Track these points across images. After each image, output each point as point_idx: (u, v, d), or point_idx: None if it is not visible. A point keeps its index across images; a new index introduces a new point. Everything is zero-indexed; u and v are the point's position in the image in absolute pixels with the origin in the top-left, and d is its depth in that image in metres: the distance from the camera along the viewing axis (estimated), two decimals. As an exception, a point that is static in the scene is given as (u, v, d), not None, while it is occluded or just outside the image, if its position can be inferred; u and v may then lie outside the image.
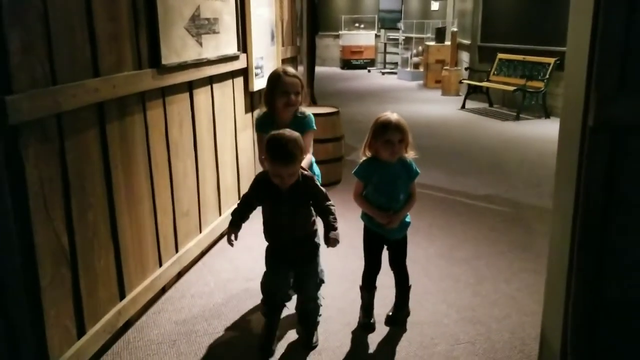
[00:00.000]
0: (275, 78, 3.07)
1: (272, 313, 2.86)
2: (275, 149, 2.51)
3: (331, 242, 2.56)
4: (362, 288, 3.04)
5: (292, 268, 2.81)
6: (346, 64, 17.83)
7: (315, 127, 3.17)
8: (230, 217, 2.77)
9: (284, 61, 5.59)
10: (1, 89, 2.10)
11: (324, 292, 3.33)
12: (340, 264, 3.76)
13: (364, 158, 2.86)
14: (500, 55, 10.33)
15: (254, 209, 2.77)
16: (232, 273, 3.65)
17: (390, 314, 3.06)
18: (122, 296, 2.95)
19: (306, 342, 2.85)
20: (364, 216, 2.94)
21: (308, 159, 3.10)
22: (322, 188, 2.71)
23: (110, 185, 2.80)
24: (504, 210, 4.89)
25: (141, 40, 3.06)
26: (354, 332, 2.97)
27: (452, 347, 2.83)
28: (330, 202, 2.69)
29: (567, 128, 2.34)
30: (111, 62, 2.77)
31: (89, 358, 2.64)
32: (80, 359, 2.56)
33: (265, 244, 2.83)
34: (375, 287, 3.03)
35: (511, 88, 9.48)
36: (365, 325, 3.00)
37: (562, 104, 2.43)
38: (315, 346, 2.83)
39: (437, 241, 4.12)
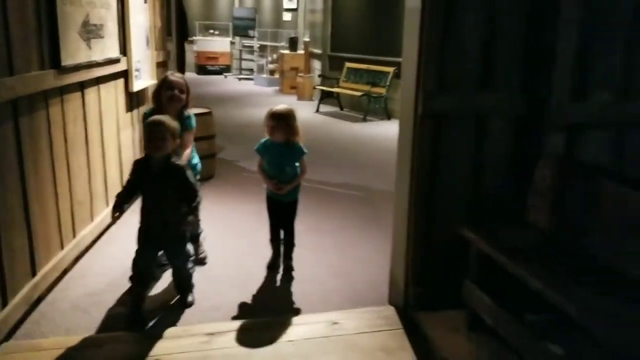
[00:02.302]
0: (163, 78, 3.70)
1: (140, 286, 3.19)
2: (150, 122, 3.06)
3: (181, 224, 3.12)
4: (271, 240, 3.89)
5: (160, 248, 3.21)
6: (202, 70, 18.13)
7: (194, 126, 3.69)
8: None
9: (157, 65, 5.99)
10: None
11: (217, 264, 3.90)
12: (221, 241, 4.38)
13: (264, 138, 3.67)
14: (348, 64, 11.47)
15: (135, 193, 3.18)
16: (125, 256, 4.00)
17: (283, 269, 3.88)
18: (34, 273, 3.26)
19: (183, 302, 3.35)
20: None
21: (187, 153, 3.62)
22: (192, 183, 3.10)
23: (23, 173, 3.12)
24: (356, 194, 5.78)
25: (44, 44, 3.39)
26: (245, 292, 3.56)
27: (326, 293, 3.57)
28: (195, 200, 3.11)
29: (404, 117, 3.17)
30: (22, 62, 3.10)
31: (13, 324, 2.95)
32: (6, 325, 2.88)
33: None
34: (280, 239, 3.88)
35: (358, 93, 10.61)
36: (273, 265, 3.90)
37: (400, 100, 3.25)
38: (191, 303, 3.34)
39: (307, 219, 4.83)
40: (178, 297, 3.41)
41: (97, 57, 4.23)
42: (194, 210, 3.19)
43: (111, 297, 3.44)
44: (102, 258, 4.03)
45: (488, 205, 3.18)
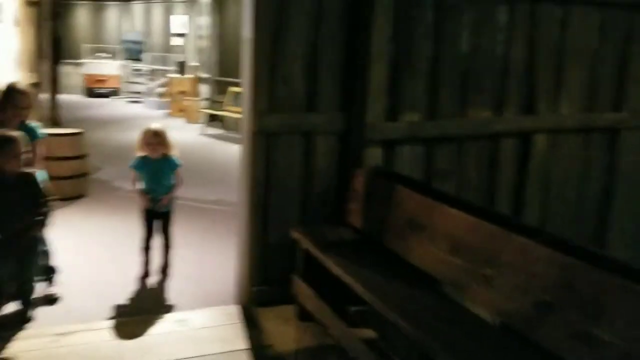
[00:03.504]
0: (8, 91, 3.60)
1: None
2: (3, 139, 3.16)
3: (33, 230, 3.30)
4: (141, 248, 4.13)
5: (12, 256, 3.27)
6: (90, 92, 17.77)
7: (43, 135, 3.73)
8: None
9: (30, 85, 6.06)
10: None
11: (75, 272, 4.08)
12: (83, 253, 4.60)
13: (138, 155, 4.01)
14: (232, 89, 11.87)
15: None
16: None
17: (160, 266, 4.19)
18: None
19: (22, 317, 3.35)
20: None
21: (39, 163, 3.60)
22: (41, 189, 3.29)
23: None
24: (227, 209, 6.12)
25: None
26: (100, 298, 3.79)
27: (179, 296, 3.89)
28: (47, 205, 3.29)
29: (244, 134, 3.60)
30: None
31: None
32: None
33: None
34: (150, 248, 4.15)
35: (242, 116, 10.99)
36: (145, 274, 4.13)
37: (242, 118, 3.68)
38: (30, 319, 3.35)
39: (173, 232, 5.11)
40: (17, 312, 3.39)
41: (-44, 77, 4.33)
42: (46, 216, 3.32)
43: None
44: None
45: (317, 210, 3.66)
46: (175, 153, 4.12)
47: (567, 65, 4.39)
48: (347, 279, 2.86)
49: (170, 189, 4.09)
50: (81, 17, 19.02)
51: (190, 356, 3.11)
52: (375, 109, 3.62)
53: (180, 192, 4.34)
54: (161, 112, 14.93)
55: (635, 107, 4.66)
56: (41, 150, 3.71)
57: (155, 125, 4.09)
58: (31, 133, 3.59)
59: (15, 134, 3.28)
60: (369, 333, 3.21)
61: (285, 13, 3.40)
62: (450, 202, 2.82)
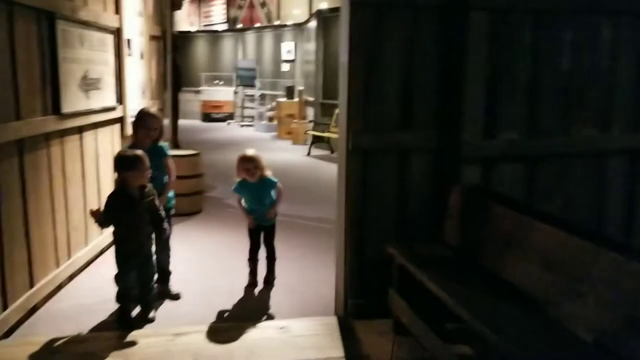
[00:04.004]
0: (141, 115, 4.17)
1: (124, 302, 3.73)
2: (139, 156, 3.62)
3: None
4: (249, 260, 4.48)
5: (136, 265, 3.70)
6: (207, 117, 19.04)
7: (169, 153, 4.23)
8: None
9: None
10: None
11: (190, 280, 4.46)
12: (197, 263, 4.99)
13: (237, 180, 4.35)
14: (336, 110, 12.22)
15: (110, 223, 3.68)
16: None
17: (265, 277, 4.52)
18: (32, 285, 3.86)
19: (144, 318, 3.78)
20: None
21: (173, 181, 4.20)
22: (157, 204, 3.72)
23: (25, 201, 3.77)
24: (328, 226, 6.31)
25: (47, 95, 4.09)
26: (211, 304, 4.13)
27: (280, 307, 4.13)
28: (164, 218, 3.76)
29: (340, 153, 3.81)
30: (28, 110, 3.78)
31: (11, 326, 3.54)
32: (6, 324, 3.49)
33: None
34: (257, 259, 4.46)
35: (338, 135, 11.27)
36: (252, 283, 4.47)
37: (338, 138, 3.89)
38: (153, 319, 3.79)
39: (278, 247, 5.41)
40: (140, 311, 3.84)
41: (95, 105, 4.94)
42: (161, 217, 3.76)
43: (100, 307, 3.98)
44: (95, 277, 4.63)
45: (412, 226, 3.76)
46: (269, 173, 4.36)
47: (681, 79, 4.19)
48: (441, 294, 2.93)
49: (272, 205, 4.37)
50: (199, 48, 20.48)
51: (291, 360, 3.33)
52: (472, 127, 3.69)
53: (285, 210, 4.64)
54: (270, 134, 15.66)
55: None
56: (172, 166, 4.19)
57: (249, 151, 4.36)
58: (161, 152, 4.10)
59: (140, 152, 3.67)
60: (465, 349, 3.25)
61: (380, 37, 3.57)
62: (542, 218, 2.82)
